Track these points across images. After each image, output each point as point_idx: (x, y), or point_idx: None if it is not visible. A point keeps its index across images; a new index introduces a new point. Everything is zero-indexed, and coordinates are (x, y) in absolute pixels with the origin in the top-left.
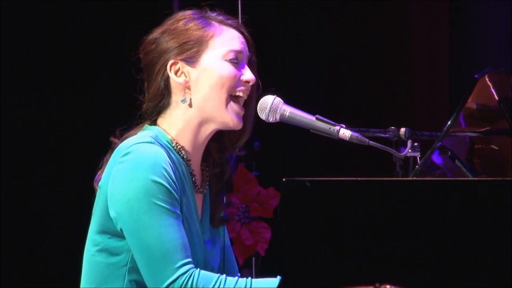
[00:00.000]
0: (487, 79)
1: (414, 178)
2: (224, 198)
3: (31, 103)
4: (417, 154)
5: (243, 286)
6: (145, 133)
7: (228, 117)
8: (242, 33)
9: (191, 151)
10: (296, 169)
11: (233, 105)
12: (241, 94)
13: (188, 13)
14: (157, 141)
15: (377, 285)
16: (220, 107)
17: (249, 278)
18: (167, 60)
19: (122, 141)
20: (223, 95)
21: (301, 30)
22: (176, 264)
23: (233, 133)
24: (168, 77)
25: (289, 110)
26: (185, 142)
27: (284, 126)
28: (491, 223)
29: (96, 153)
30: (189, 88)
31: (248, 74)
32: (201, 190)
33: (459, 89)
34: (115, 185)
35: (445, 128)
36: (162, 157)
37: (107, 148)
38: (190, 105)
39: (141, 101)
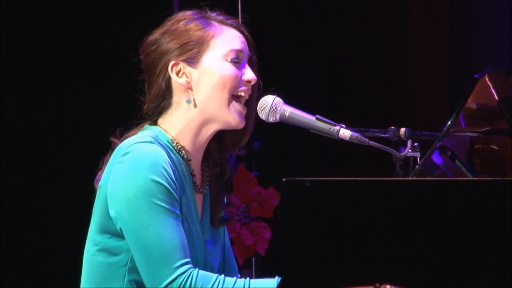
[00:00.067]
0: (487, 79)
1: (414, 178)
2: (225, 198)
3: (31, 103)
4: (417, 154)
5: (242, 287)
6: (145, 133)
7: (230, 116)
8: (242, 32)
9: (191, 151)
10: (296, 169)
11: (235, 105)
12: (242, 94)
13: (188, 13)
14: (157, 141)
15: (377, 285)
16: (222, 107)
17: (248, 278)
18: (168, 61)
19: (122, 141)
20: (225, 95)
21: (301, 30)
22: (175, 264)
23: (234, 133)
24: (169, 78)
25: (289, 110)
26: (186, 142)
27: (284, 126)
28: (491, 223)
29: (96, 153)
30: (190, 88)
31: (249, 74)
32: (201, 190)
33: (459, 89)
34: (114, 184)
35: (445, 128)
36: (161, 157)
37: (107, 148)
38: (195, 105)
39: (141, 102)
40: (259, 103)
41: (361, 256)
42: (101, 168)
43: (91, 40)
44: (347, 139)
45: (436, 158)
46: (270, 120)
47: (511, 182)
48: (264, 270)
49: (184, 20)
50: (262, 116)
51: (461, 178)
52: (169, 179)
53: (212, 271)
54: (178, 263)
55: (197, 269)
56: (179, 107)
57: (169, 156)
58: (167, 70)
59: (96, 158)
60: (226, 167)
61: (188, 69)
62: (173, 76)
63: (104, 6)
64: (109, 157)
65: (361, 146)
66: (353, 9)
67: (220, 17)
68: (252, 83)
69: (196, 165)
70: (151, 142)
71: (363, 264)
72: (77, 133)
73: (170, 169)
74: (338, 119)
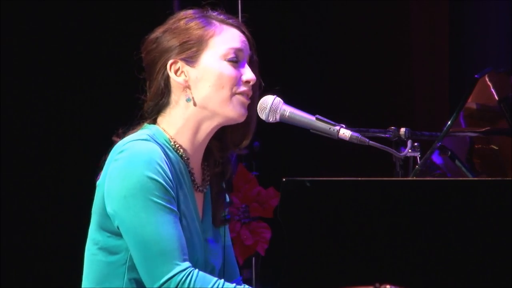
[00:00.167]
0: (487, 79)
1: (414, 178)
2: (227, 197)
3: (31, 103)
4: (417, 154)
5: None
6: (143, 131)
7: (232, 111)
8: (243, 32)
9: (190, 149)
10: (296, 169)
11: (237, 96)
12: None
13: (189, 12)
14: (153, 139)
15: (377, 285)
16: (223, 105)
17: (246, 286)
18: (168, 59)
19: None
20: (225, 94)
21: (301, 30)
22: (174, 260)
23: (236, 133)
24: (168, 77)
25: (289, 110)
26: (184, 140)
27: (284, 126)
28: (491, 223)
29: (96, 153)
30: (189, 87)
31: (248, 74)
32: (201, 189)
33: (459, 89)
34: (111, 182)
35: (445, 128)
36: (156, 154)
37: (107, 148)
38: (186, 103)
39: (142, 100)
40: (259, 103)
41: (361, 256)
42: (102, 168)
43: (91, 40)
44: (347, 139)
45: (436, 158)
46: (270, 120)
47: (511, 182)
48: (264, 270)
49: (185, 19)
50: (262, 116)
51: (461, 178)
52: (165, 176)
53: (213, 271)
54: (176, 260)
55: (197, 269)
56: (178, 106)
57: (166, 155)
58: (166, 68)
59: (96, 158)
60: (227, 166)
61: (186, 68)
62: (171, 74)
63: (104, 6)
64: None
65: (361, 146)
66: (353, 9)
67: (221, 16)
68: (251, 83)
69: (195, 163)
70: (146, 140)
71: (363, 264)
72: (77, 133)
73: (166, 166)
74: (338, 119)
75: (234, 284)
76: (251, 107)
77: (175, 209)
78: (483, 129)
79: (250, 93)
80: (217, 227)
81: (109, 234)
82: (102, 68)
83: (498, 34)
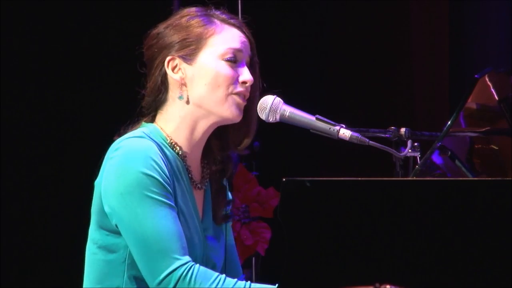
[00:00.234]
0: (487, 79)
1: (414, 178)
2: (229, 194)
3: (31, 103)
4: (417, 154)
5: (243, 287)
6: (140, 129)
7: (227, 111)
8: (244, 33)
9: (188, 147)
10: (296, 169)
11: (233, 96)
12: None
13: (192, 10)
14: (148, 136)
15: (377, 285)
16: (218, 105)
17: (249, 281)
18: (166, 56)
19: None
20: (220, 94)
21: (301, 30)
22: (174, 254)
23: (237, 133)
24: (165, 73)
25: (289, 110)
26: (181, 138)
27: (284, 126)
28: (491, 223)
29: (96, 153)
30: (185, 85)
31: (245, 75)
32: (200, 186)
33: (459, 89)
34: (107, 180)
35: (445, 128)
36: (151, 150)
37: (107, 148)
38: (187, 102)
39: (142, 95)
40: (259, 103)
41: (361, 256)
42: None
43: (91, 40)
44: (347, 139)
45: (436, 158)
46: (270, 120)
47: (511, 182)
48: (264, 270)
49: (187, 16)
50: (262, 116)
51: (461, 178)
52: (161, 172)
53: (214, 268)
54: (176, 254)
55: (198, 264)
56: (174, 103)
57: (163, 152)
58: (164, 64)
59: (96, 158)
60: (228, 164)
61: (183, 65)
62: (168, 71)
63: (104, 5)
64: None
65: (361, 146)
66: (353, 9)
67: (223, 16)
68: (248, 84)
69: (193, 161)
70: (141, 137)
71: (363, 264)
72: (77, 133)
73: (162, 162)
74: (338, 119)
75: (235, 280)
76: (252, 107)
77: (173, 204)
78: (483, 129)
79: (247, 94)
80: (218, 225)
81: (107, 233)
82: (102, 67)
83: (498, 34)
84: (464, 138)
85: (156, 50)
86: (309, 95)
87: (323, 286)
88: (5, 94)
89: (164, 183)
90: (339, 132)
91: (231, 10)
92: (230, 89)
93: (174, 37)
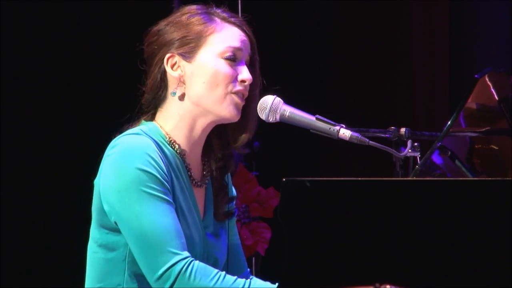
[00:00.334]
0: (487, 79)
1: (414, 178)
2: (233, 191)
3: (31, 103)
4: (417, 154)
5: (242, 286)
6: (138, 127)
7: (225, 110)
8: (244, 31)
9: (187, 145)
10: (296, 169)
11: (232, 96)
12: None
13: (193, 7)
14: (146, 134)
15: (377, 285)
16: (216, 103)
17: (249, 279)
18: (165, 53)
19: None
20: (219, 93)
21: (301, 30)
22: (173, 249)
23: (236, 132)
24: (164, 70)
25: (289, 110)
26: (181, 136)
27: (284, 126)
28: (491, 223)
29: (96, 153)
30: (183, 82)
31: (245, 74)
32: (200, 184)
33: (459, 89)
34: (105, 178)
35: (445, 128)
36: (148, 147)
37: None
38: (181, 99)
39: (142, 92)
40: (259, 103)
41: (361, 256)
42: None
43: (91, 39)
44: (347, 139)
45: (436, 158)
46: (270, 120)
47: (511, 182)
48: (264, 270)
49: (188, 14)
50: (262, 116)
51: (461, 178)
52: (158, 168)
53: (215, 262)
54: (175, 249)
55: (197, 260)
56: (173, 101)
57: (161, 150)
58: (163, 62)
59: (96, 157)
60: (229, 161)
61: (183, 62)
62: (167, 68)
63: (104, 5)
64: None
65: (361, 146)
66: (353, 9)
67: (224, 14)
68: (247, 83)
69: (193, 159)
70: (138, 134)
71: (363, 264)
72: (76, 132)
73: (160, 159)
74: (338, 119)
75: (235, 277)
76: (251, 105)
77: (171, 200)
78: (483, 129)
79: (246, 93)
80: (221, 221)
81: (107, 231)
82: (102, 67)
83: (498, 34)
84: (464, 138)
85: (156, 47)
86: (309, 95)
87: (323, 286)
88: (5, 94)
89: (162, 179)
90: (339, 132)
91: (231, 9)
92: (229, 88)
93: (174, 35)
